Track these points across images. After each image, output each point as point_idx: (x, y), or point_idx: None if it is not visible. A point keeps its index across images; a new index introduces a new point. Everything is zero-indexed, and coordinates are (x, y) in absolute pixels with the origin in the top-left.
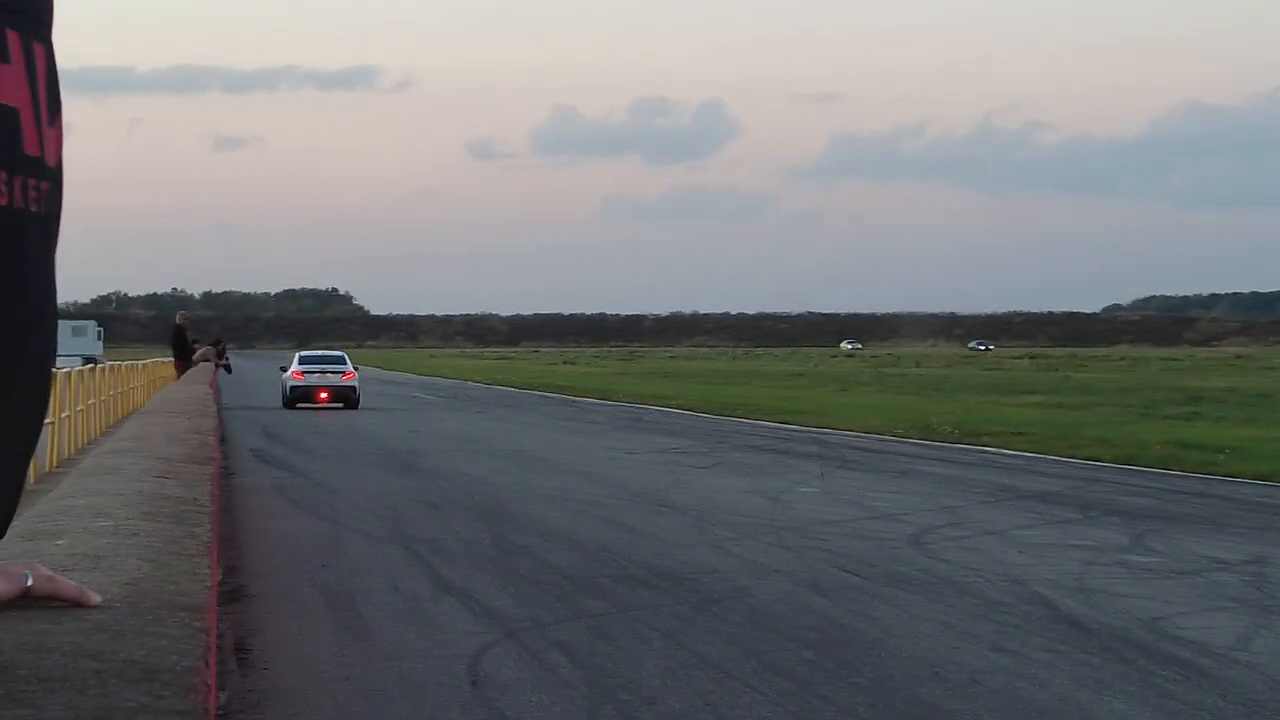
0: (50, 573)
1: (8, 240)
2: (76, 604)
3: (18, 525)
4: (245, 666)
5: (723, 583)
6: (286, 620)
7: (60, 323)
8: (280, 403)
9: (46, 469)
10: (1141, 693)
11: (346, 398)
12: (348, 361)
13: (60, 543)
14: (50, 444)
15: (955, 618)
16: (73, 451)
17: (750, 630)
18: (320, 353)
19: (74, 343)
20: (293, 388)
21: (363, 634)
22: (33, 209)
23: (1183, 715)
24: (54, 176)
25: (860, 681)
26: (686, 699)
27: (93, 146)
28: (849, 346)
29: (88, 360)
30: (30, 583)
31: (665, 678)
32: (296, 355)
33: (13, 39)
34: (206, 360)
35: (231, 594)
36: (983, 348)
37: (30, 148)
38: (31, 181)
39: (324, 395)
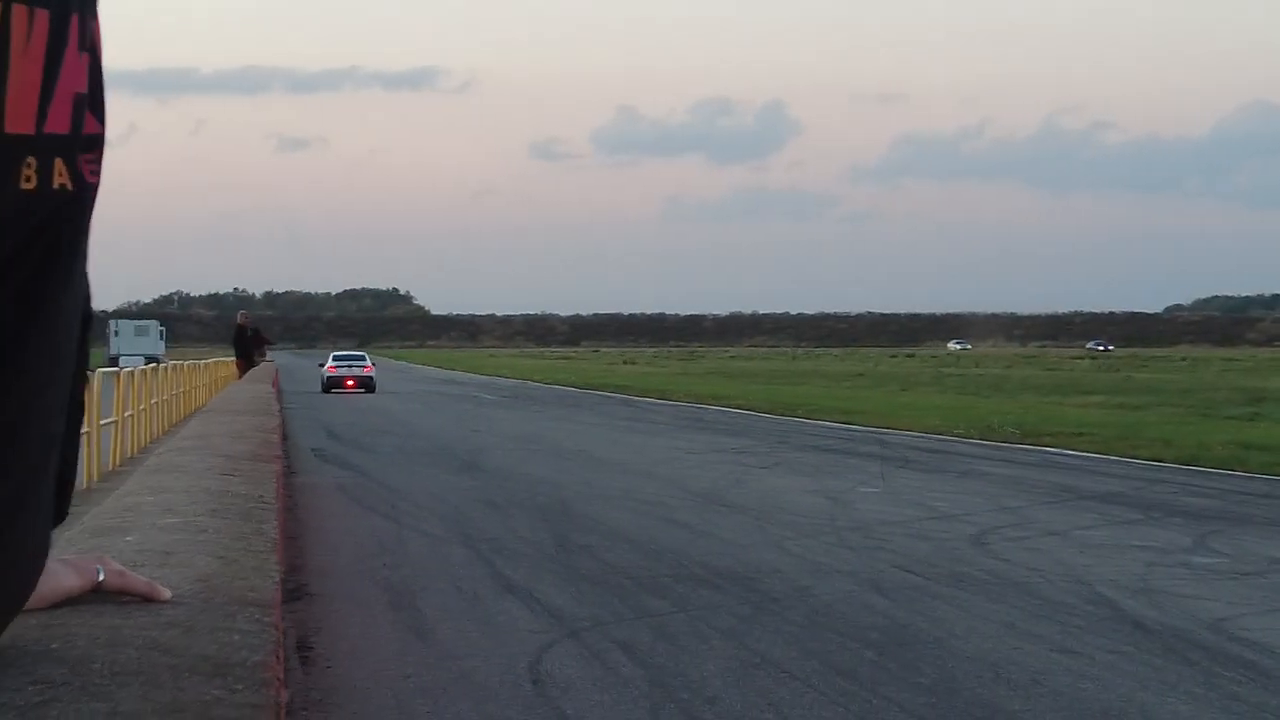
0: (121, 568)
1: (86, 218)
2: (147, 599)
3: (88, 521)
4: (308, 664)
5: (784, 582)
6: (349, 619)
7: (124, 322)
8: (319, 389)
9: (110, 467)
10: (1205, 694)
11: (367, 384)
12: (367, 358)
13: (129, 539)
14: (113, 442)
15: (1018, 618)
16: (135, 450)
17: (812, 630)
18: (348, 353)
19: (137, 342)
20: (328, 378)
21: (424, 632)
22: (96, 182)
23: (1247, 717)
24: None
25: (923, 681)
26: (748, 698)
27: (158, 147)
28: (957, 346)
29: (150, 360)
30: (102, 577)
31: (726, 677)
32: (331, 355)
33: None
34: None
35: (294, 592)
36: (1102, 348)
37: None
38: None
39: (350, 383)
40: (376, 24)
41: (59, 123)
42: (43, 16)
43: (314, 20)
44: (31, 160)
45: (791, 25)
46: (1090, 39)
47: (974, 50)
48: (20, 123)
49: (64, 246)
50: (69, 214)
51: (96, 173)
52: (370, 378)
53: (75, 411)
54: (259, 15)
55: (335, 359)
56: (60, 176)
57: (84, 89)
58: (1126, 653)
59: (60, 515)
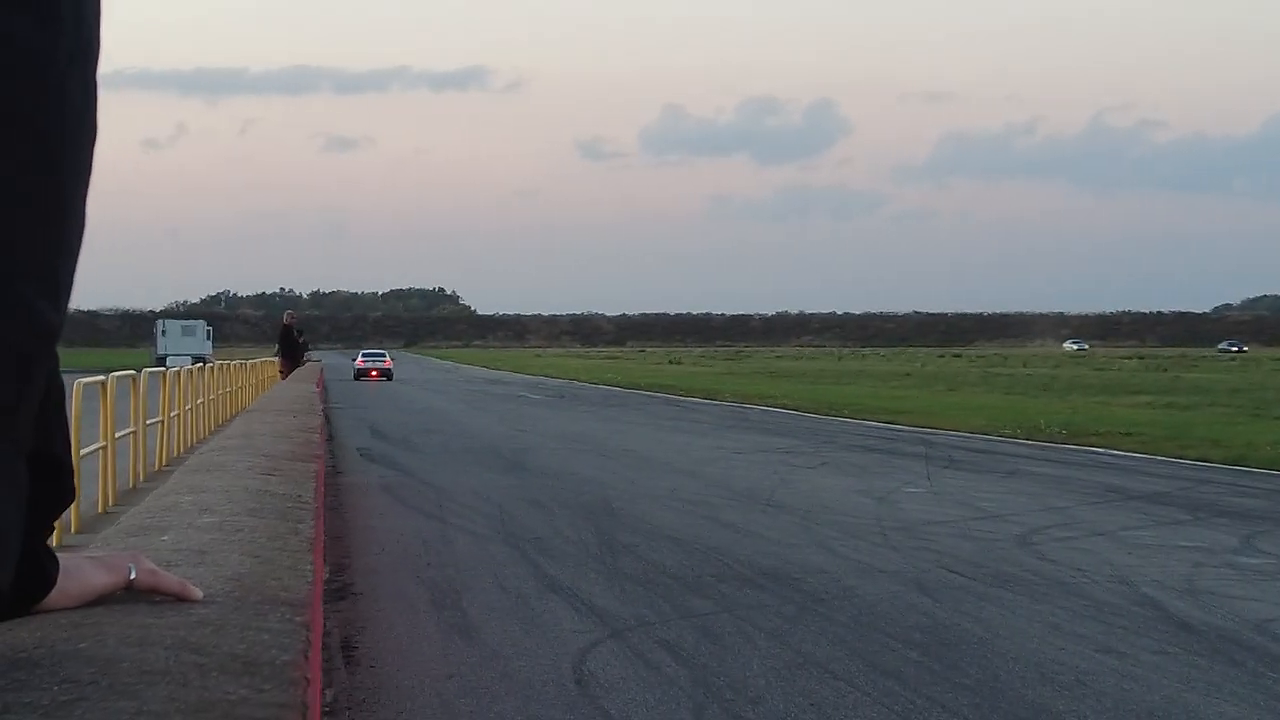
0: (154, 566)
1: None
2: (180, 598)
3: (125, 521)
4: (352, 664)
5: (829, 583)
6: (393, 618)
7: (170, 322)
8: (351, 377)
9: (156, 467)
10: (1251, 695)
11: (387, 374)
12: (387, 355)
13: (165, 538)
14: (159, 442)
15: (1063, 619)
16: (181, 450)
17: (856, 630)
18: (373, 351)
19: (184, 342)
20: (358, 369)
21: (469, 632)
22: None
23: None
24: None
25: (967, 682)
26: (791, 699)
27: (206, 147)
28: (1073, 347)
29: (197, 359)
30: (134, 576)
31: (770, 677)
32: (360, 353)
33: None
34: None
35: (339, 592)
36: (1234, 348)
37: None
38: None
39: (374, 374)
40: (425, 24)
41: None
42: None
43: (362, 20)
44: None
45: (839, 24)
46: (1139, 37)
47: (1022, 48)
48: None
49: None
50: None
51: None
52: (389, 369)
53: (54, 388)
54: (307, 16)
55: (363, 355)
56: None
57: None
58: (1172, 653)
59: (66, 495)
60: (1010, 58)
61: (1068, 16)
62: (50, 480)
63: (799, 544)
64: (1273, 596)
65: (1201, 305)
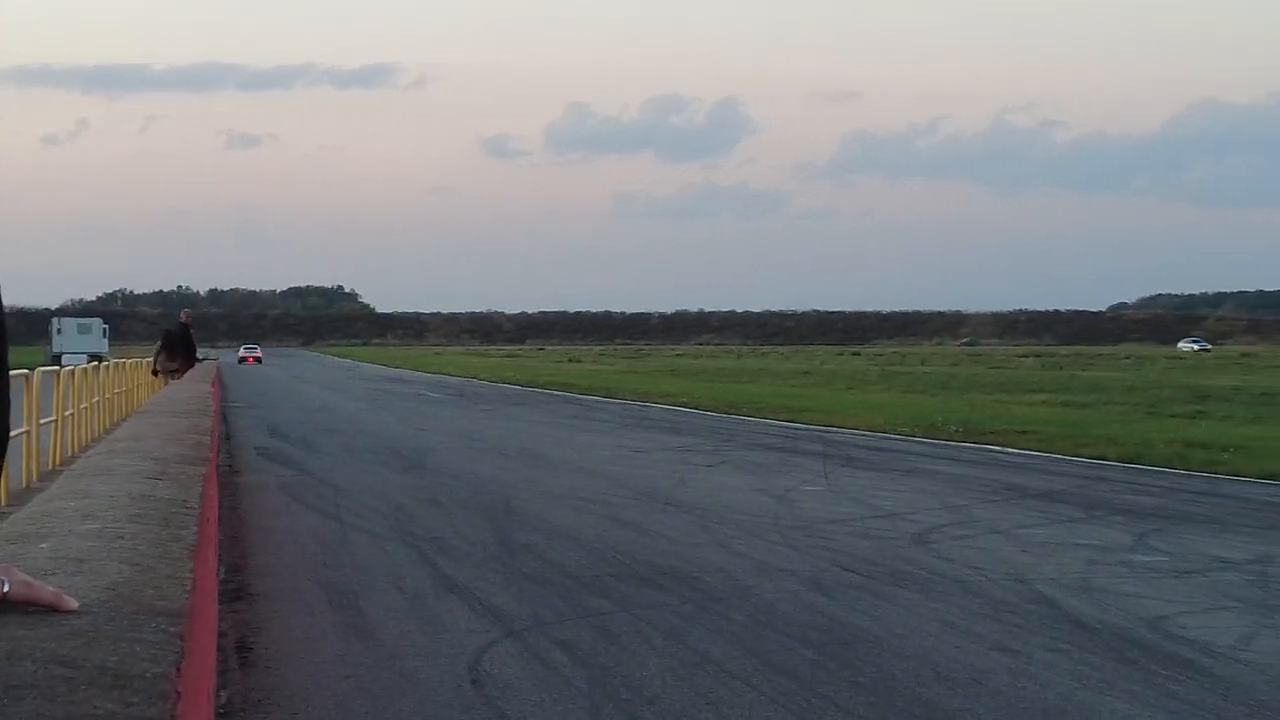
0: (27, 578)
1: None
2: (54, 609)
3: (5, 528)
4: (247, 665)
5: (727, 581)
6: (290, 619)
7: (67, 320)
8: (235, 361)
9: (50, 467)
10: (1143, 692)
11: (259, 360)
12: (259, 348)
13: (44, 546)
14: (52, 442)
15: (958, 617)
16: (75, 449)
17: (753, 629)
18: (251, 344)
19: (80, 340)
20: (239, 358)
21: (366, 632)
22: None
23: (1185, 715)
24: None
25: (862, 680)
26: (688, 698)
27: (106, 144)
28: (1193, 346)
29: (94, 358)
30: (7, 589)
31: (667, 676)
32: (242, 345)
33: None
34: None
35: (235, 592)
36: None
37: None
38: None
39: (250, 360)
40: (329, 21)
41: None
42: None
43: (266, 18)
44: None
45: (745, 23)
46: (1041, 37)
47: (926, 48)
48: None
49: None
50: None
51: None
52: (260, 357)
53: None
54: (211, 12)
55: (244, 348)
56: None
57: None
58: (1066, 651)
59: None
60: (914, 58)
61: (970, 17)
62: None
63: (698, 543)
64: (1166, 594)
65: (1098, 304)
